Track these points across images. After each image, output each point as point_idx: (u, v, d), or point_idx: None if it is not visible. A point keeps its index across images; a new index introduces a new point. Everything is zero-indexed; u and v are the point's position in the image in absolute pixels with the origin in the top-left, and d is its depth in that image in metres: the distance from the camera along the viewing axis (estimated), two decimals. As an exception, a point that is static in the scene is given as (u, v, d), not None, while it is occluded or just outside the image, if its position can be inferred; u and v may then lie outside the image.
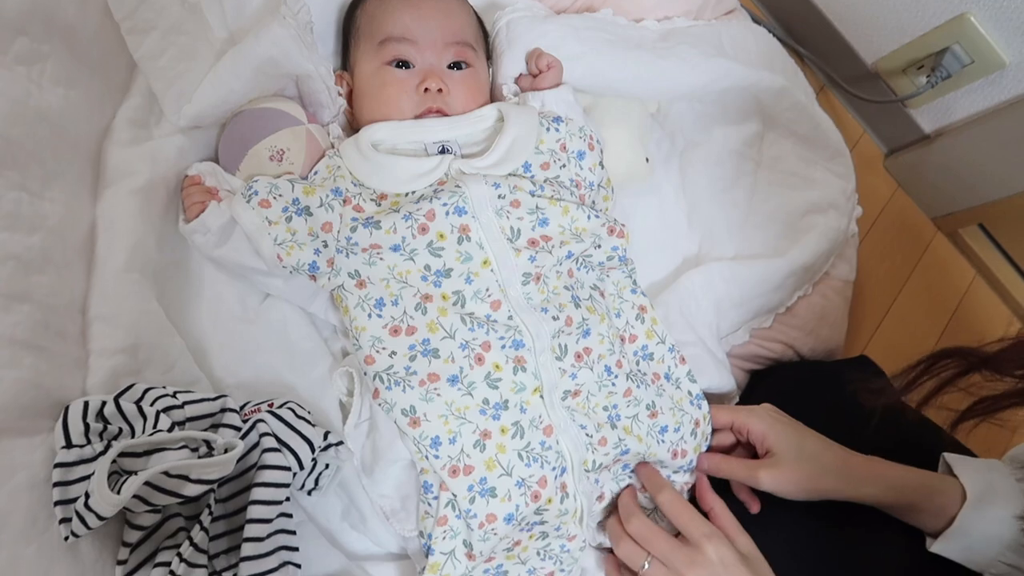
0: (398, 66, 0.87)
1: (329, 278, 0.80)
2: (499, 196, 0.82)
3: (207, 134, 0.86)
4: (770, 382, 1.02)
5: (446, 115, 0.87)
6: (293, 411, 0.76)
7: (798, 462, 0.81)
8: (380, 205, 0.82)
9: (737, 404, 1.01)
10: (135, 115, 0.83)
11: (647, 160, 1.08)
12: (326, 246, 0.80)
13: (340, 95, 0.90)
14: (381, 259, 0.79)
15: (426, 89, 0.86)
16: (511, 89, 0.96)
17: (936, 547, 0.80)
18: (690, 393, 0.89)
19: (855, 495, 0.81)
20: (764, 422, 0.84)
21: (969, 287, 1.43)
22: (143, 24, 0.80)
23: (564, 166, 0.89)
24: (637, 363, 0.88)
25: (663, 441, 0.84)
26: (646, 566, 0.75)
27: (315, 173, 0.84)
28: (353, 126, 0.94)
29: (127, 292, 0.75)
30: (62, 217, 0.73)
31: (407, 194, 0.82)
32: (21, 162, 0.70)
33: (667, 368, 0.89)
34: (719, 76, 1.05)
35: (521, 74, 0.97)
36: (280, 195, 0.79)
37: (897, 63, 1.30)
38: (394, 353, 0.77)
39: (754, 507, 0.85)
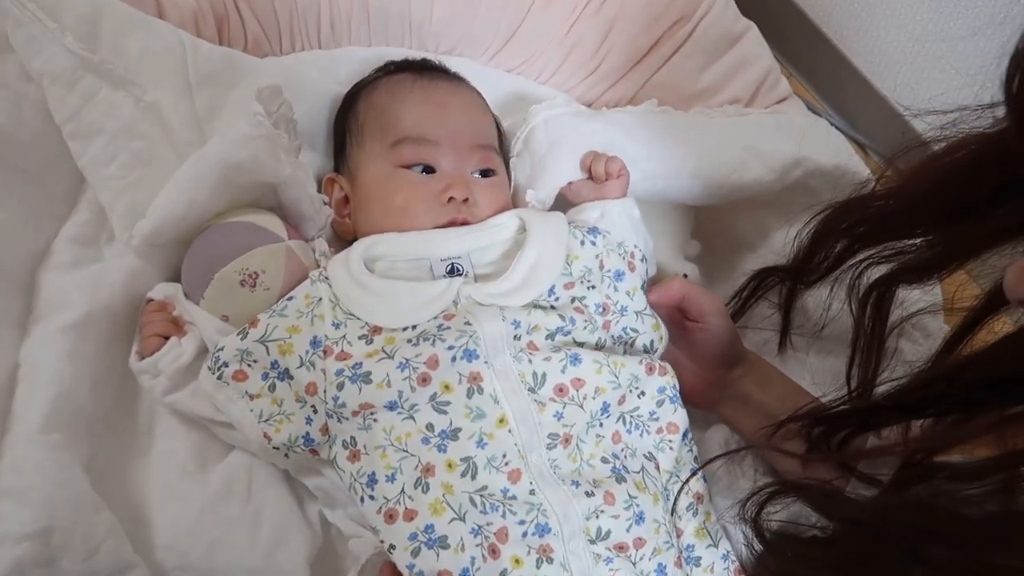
0: (418, 171, 0.74)
1: (330, 447, 0.65)
2: (515, 336, 0.66)
3: (168, 253, 0.72)
4: None
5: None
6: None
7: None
8: (371, 343, 0.66)
9: None
10: (81, 232, 0.70)
11: (685, 276, 0.92)
12: (315, 411, 0.65)
13: (326, 204, 0.76)
14: (376, 420, 0.63)
15: (451, 198, 0.72)
16: (536, 196, 0.80)
17: None
18: None
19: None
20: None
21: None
22: (88, 127, 0.67)
23: (593, 287, 0.72)
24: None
25: None
26: None
27: (290, 299, 0.68)
28: (346, 238, 0.80)
29: (43, 459, 0.60)
30: (-31, 367, 0.59)
31: (405, 328, 0.67)
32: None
33: None
34: (792, 165, 0.89)
35: (571, 182, 0.82)
36: (255, 360, 0.65)
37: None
38: (393, 547, 0.60)
39: None
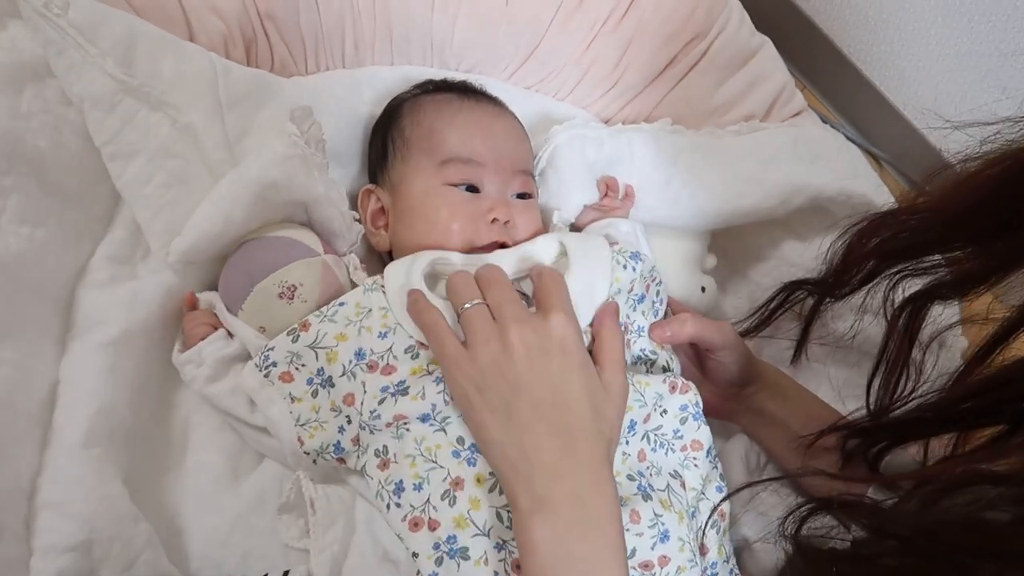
0: (463, 189, 0.76)
1: (358, 457, 0.66)
2: None
3: (202, 270, 0.74)
4: None
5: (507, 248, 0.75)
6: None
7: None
8: (417, 358, 0.66)
9: None
10: (117, 251, 0.72)
11: (703, 290, 0.93)
12: (349, 422, 0.66)
13: (357, 220, 0.78)
14: (408, 431, 0.64)
15: (494, 219, 0.74)
16: (562, 218, 0.82)
17: None
18: None
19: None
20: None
21: None
22: (127, 148, 0.69)
23: None
24: None
25: None
26: (469, 306, 0.62)
27: (341, 304, 0.69)
28: (379, 250, 0.82)
29: (84, 473, 0.62)
30: (12, 382, 0.61)
31: None
32: (-39, 321, 0.59)
33: None
34: (793, 193, 0.91)
35: (585, 205, 0.85)
36: (303, 364, 0.66)
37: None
38: (416, 555, 0.61)
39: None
